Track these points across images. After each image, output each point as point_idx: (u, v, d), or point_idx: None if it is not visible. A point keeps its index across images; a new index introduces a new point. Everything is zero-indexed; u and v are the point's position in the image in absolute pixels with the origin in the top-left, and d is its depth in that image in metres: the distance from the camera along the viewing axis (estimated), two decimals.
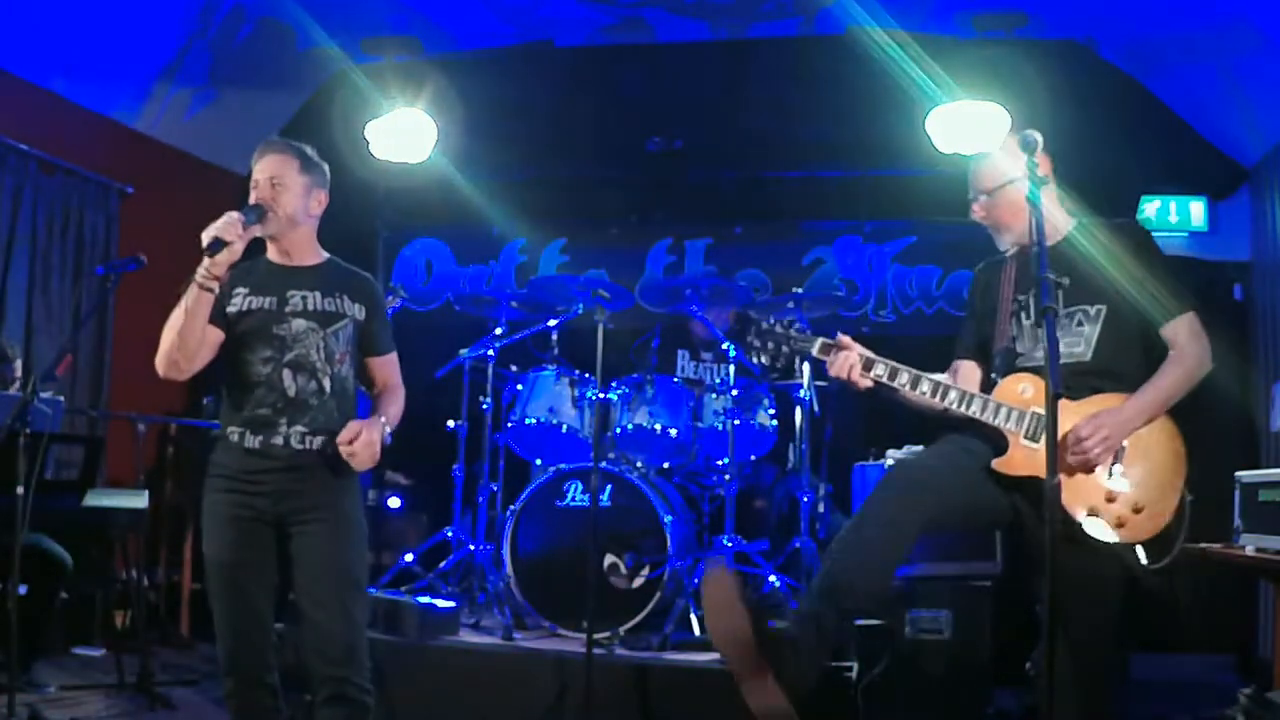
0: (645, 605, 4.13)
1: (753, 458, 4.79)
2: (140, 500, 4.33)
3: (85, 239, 5.38)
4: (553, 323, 4.78)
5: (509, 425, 4.62)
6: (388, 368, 2.93)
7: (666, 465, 4.71)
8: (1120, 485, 2.57)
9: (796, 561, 4.44)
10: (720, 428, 4.51)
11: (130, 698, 4.10)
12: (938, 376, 2.75)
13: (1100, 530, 2.56)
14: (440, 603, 4.15)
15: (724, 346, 4.60)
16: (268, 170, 2.81)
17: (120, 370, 5.53)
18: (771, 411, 4.63)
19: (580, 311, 4.70)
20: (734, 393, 4.51)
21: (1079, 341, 2.67)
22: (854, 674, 3.64)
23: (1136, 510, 2.56)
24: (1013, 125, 4.72)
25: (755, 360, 2.85)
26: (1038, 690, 2.85)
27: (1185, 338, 2.65)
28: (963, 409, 2.65)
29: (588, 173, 6.20)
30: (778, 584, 4.30)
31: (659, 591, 4.14)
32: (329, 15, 5.58)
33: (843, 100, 5.57)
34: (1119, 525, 2.55)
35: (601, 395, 4.30)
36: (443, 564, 4.58)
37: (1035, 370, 2.66)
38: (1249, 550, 3.29)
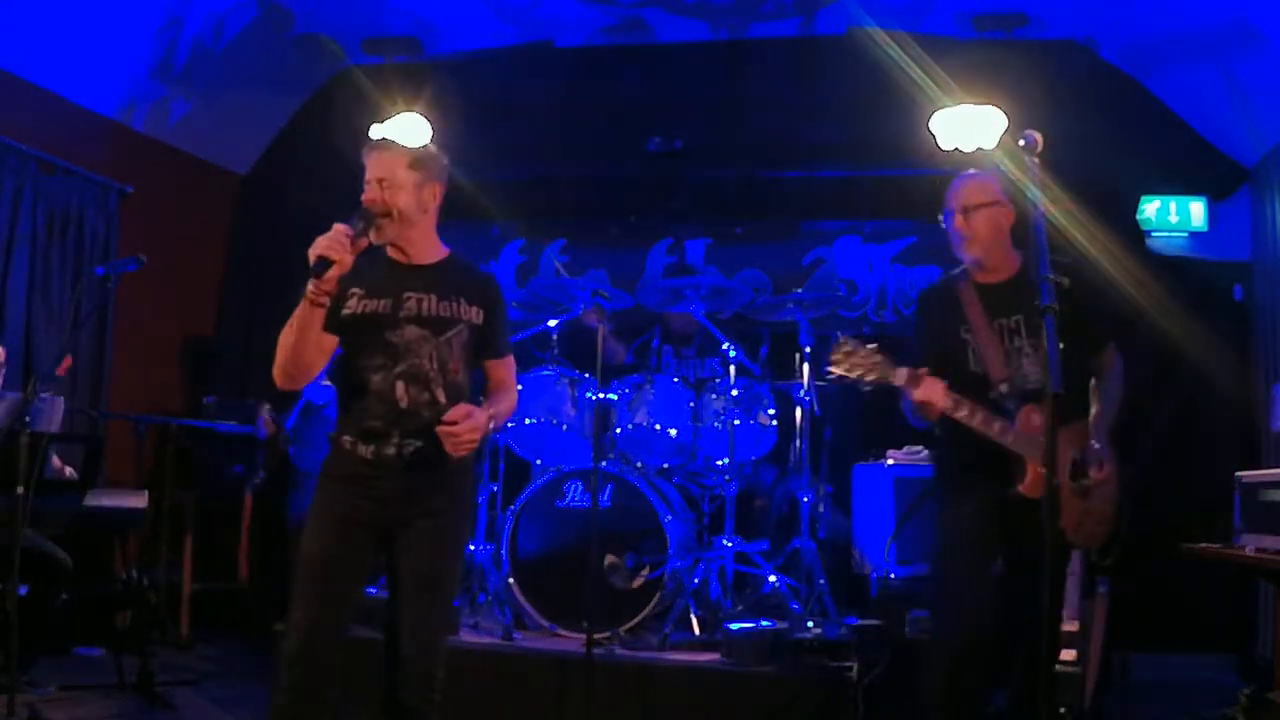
0: (645, 605, 4.13)
1: (753, 458, 4.78)
2: (140, 500, 4.33)
3: (85, 239, 5.38)
4: (553, 323, 4.78)
5: (509, 425, 4.62)
6: (503, 370, 2.85)
7: (666, 465, 4.71)
8: (1093, 500, 2.98)
9: (796, 561, 4.44)
10: (720, 428, 4.51)
11: (130, 698, 4.10)
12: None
13: (1075, 536, 2.97)
14: None
15: (724, 347, 4.60)
16: (376, 170, 2.71)
17: (120, 370, 5.54)
18: (771, 411, 4.63)
19: (580, 311, 4.70)
20: (734, 393, 4.51)
21: (1036, 370, 2.95)
22: (854, 674, 3.64)
23: (1100, 522, 2.99)
24: (1012, 125, 4.73)
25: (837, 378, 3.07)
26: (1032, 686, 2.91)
27: (1110, 362, 3.12)
28: (999, 438, 2.92)
29: (588, 173, 6.19)
30: (777, 584, 4.30)
31: (659, 591, 4.14)
32: (329, 15, 5.58)
33: (843, 100, 5.57)
34: (1080, 532, 2.98)
35: (601, 395, 4.30)
36: None
37: (1029, 396, 2.95)
38: (1249, 550, 3.30)
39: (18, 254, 5.01)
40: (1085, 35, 5.38)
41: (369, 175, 2.72)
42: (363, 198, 2.69)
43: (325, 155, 5.67)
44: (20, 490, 3.40)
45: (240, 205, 6.45)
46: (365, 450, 2.64)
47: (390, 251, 2.77)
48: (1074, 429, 3.00)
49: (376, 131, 5.21)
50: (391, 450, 2.63)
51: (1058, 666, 3.14)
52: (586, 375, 4.57)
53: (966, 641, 2.93)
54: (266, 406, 5.26)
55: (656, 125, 5.83)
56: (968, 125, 4.79)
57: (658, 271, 6.23)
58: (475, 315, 2.74)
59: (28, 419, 3.47)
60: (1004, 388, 2.97)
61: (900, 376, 2.88)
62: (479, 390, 2.85)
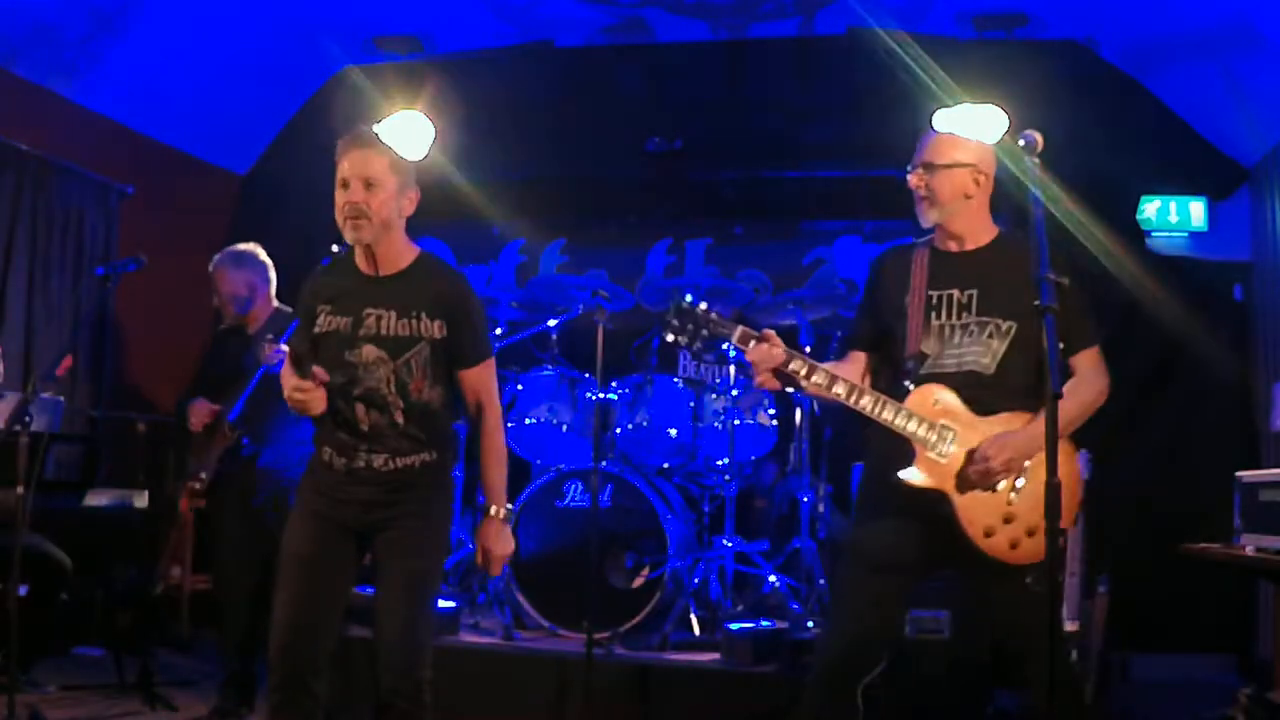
0: (645, 605, 4.13)
1: (753, 458, 4.79)
2: (140, 500, 4.33)
3: (85, 239, 5.38)
4: (553, 323, 4.78)
5: (509, 425, 4.62)
6: (476, 380, 2.72)
7: (666, 465, 4.71)
8: (1020, 507, 2.55)
9: (796, 561, 4.45)
10: (720, 428, 4.51)
11: (130, 698, 4.10)
12: (851, 378, 2.71)
13: (996, 549, 2.55)
14: (440, 603, 4.15)
15: (724, 347, 4.60)
16: (358, 169, 2.56)
17: (120, 370, 5.53)
18: (771, 411, 4.64)
19: (580, 311, 4.70)
20: (734, 393, 4.51)
21: (985, 353, 2.65)
22: None
23: (1030, 533, 2.53)
24: (1012, 125, 4.72)
25: (671, 340, 2.72)
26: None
27: (1089, 369, 2.66)
28: (875, 413, 2.62)
29: (588, 173, 6.19)
30: (777, 584, 4.30)
31: (659, 591, 4.14)
32: (330, 14, 5.58)
33: (843, 100, 5.57)
34: (1012, 547, 2.55)
35: (601, 395, 4.31)
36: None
37: (944, 378, 2.65)
38: (1249, 550, 3.29)
39: (18, 254, 5.01)
40: (1085, 35, 5.38)
41: (349, 173, 2.57)
42: (344, 200, 2.57)
43: (325, 155, 5.64)
44: (20, 490, 3.40)
45: (240, 205, 6.45)
46: (339, 463, 2.65)
47: (358, 259, 2.67)
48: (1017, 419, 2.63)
49: (376, 131, 5.20)
50: (361, 464, 2.63)
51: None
52: (586, 375, 4.58)
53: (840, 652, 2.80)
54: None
55: (656, 125, 5.83)
56: (968, 125, 4.78)
57: (658, 271, 6.23)
58: (437, 330, 2.63)
59: (28, 419, 3.47)
60: (910, 364, 2.69)
61: (736, 334, 2.62)
62: (456, 398, 2.78)
